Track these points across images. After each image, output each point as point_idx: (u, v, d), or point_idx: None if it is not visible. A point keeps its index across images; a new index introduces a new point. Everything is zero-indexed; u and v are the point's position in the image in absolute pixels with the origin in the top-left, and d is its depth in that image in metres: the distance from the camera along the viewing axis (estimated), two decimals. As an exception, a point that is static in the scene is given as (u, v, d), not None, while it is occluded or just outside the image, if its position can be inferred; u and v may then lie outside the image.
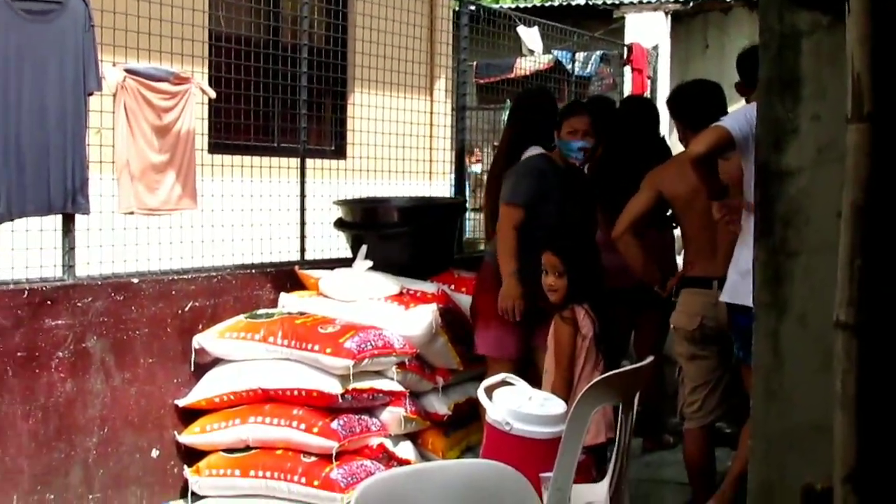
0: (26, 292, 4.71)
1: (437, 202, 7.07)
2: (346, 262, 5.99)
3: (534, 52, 9.79)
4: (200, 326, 5.44)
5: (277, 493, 5.05)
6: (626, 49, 11.15)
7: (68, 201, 4.92)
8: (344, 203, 6.34)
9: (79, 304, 4.90)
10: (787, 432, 2.28)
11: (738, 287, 4.29)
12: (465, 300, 5.74)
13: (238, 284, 5.66)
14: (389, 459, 5.22)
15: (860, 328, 1.81)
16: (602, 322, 4.46)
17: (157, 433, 5.28)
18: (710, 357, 4.84)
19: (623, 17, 13.56)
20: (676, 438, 5.96)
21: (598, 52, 10.76)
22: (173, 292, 5.33)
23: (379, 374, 5.27)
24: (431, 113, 8.60)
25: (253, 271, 5.80)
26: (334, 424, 5.02)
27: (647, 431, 6.18)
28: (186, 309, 5.39)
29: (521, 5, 13.57)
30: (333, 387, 5.06)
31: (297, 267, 6.01)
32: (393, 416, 5.28)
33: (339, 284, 5.69)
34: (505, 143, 6.09)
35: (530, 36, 9.59)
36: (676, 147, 5.64)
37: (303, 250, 6.24)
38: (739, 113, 4.29)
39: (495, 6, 9.27)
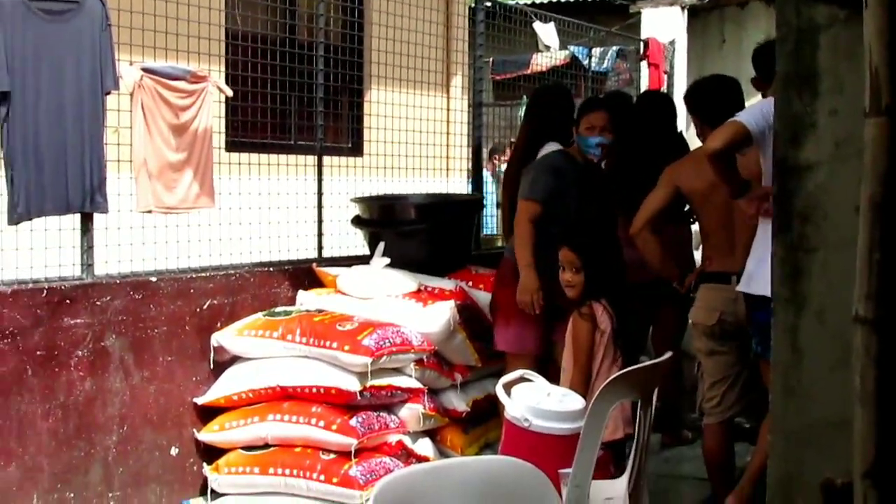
0: (45, 291, 4.73)
1: (454, 199, 7.06)
2: (364, 260, 5.98)
3: (550, 47, 9.79)
4: (219, 324, 5.45)
5: (296, 490, 5.06)
6: (642, 44, 11.12)
7: (86, 200, 4.94)
8: (361, 200, 6.34)
9: (97, 303, 4.91)
10: (806, 428, 2.27)
11: (753, 275, 4.28)
12: (482, 297, 5.74)
13: (256, 282, 5.67)
14: (408, 456, 5.22)
15: (879, 323, 1.80)
16: (620, 318, 4.45)
17: (177, 431, 5.29)
18: (728, 352, 4.83)
19: (639, 13, 13.51)
20: (695, 434, 5.96)
21: (615, 48, 10.74)
22: (192, 290, 5.34)
23: (397, 371, 5.27)
24: (448, 110, 8.57)
25: (271, 269, 5.81)
26: (353, 421, 5.03)
27: (666, 427, 6.17)
28: (205, 307, 5.40)
29: (537, 1, 13.52)
30: (352, 384, 5.06)
31: (314, 264, 6.01)
32: (411, 412, 5.27)
33: (357, 282, 5.69)
34: (522, 139, 6.10)
35: (546, 32, 9.59)
36: (694, 142, 5.62)
37: (320, 248, 6.24)
38: (756, 108, 4.26)
39: (511, 2, 9.26)
